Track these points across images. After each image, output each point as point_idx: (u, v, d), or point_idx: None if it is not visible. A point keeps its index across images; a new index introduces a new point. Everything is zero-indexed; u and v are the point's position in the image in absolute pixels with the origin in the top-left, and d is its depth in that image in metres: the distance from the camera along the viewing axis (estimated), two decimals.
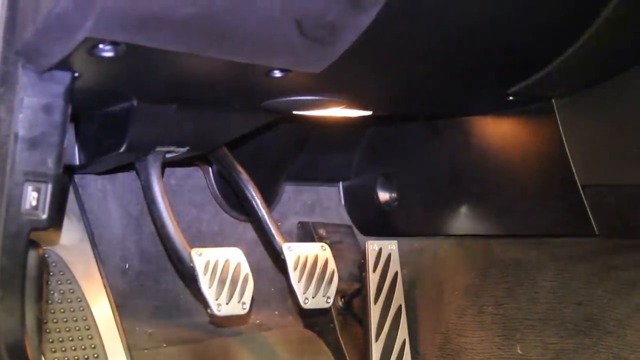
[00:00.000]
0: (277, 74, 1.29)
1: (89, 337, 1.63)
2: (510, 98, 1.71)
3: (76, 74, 1.17)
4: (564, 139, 1.72)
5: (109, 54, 1.09)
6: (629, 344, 1.58)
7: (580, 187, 1.71)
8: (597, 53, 1.55)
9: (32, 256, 1.27)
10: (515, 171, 1.85)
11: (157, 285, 1.93)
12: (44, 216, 1.20)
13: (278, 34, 1.16)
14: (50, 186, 1.19)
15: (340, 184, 2.29)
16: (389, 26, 1.23)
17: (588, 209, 1.71)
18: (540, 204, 1.82)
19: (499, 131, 1.90)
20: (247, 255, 1.66)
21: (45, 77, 1.14)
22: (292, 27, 1.14)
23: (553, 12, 1.39)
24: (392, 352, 1.87)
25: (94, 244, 1.76)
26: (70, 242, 1.73)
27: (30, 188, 1.17)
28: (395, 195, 2.17)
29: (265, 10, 1.10)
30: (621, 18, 1.44)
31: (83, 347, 1.62)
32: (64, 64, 1.12)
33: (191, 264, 1.58)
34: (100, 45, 1.07)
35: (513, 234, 1.91)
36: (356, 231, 2.26)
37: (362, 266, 1.92)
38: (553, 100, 1.74)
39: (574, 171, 1.71)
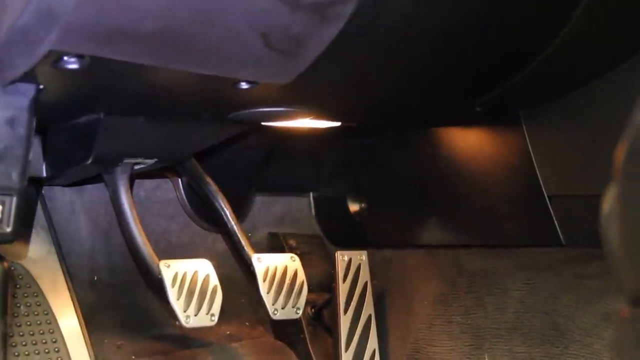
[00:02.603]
0: (244, 85, 1.30)
1: (56, 350, 1.62)
2: (478, 109, 1.72)
3: (41, 87, 1.16)
4: (530, 150, 1.73)
5: (74, 67, 1.08)
6: (595, 353, 1.59)
7: (547, 198, 1.73)
8: (562, 64, 1.56)
9: None
10: (483, 182, 1.86)
11: (126, 298, 1.92)
12: (9, 229, 1.19)
13: (244, 46, 1.16)
14: (15, 199, 1.18)
15: (311, 194, 2.29)
16: (355, 39, 1.24)
17: (555, 219, 1.72)
18: (507, 214, 1.84)
19: (467, 142, 1.91)
20: (217, 266, 1.66)
21: (9, 90, 1.14)
22: (258, 39, 1.15)
23: (517, 24, 1.41)
24: None
25: (61, 257, 1.75)
26: (38, 255, 1.72)
27: None
28: (365, 205, 2.17)
29: (231, 23, 1.10)
30: (585, 29, 1.46)
31: None
32: (28, 77, 1.11)
33: (159, 276, 1.58)
34: (65, 58, 1.07)
35: (481, 244, 1.92)
36: (327, 242, 2.26)
37: (332, 276, 1.92)
38: (520, 111, 1.75)
39: (541, 182, 1.72)
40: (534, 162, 1.73)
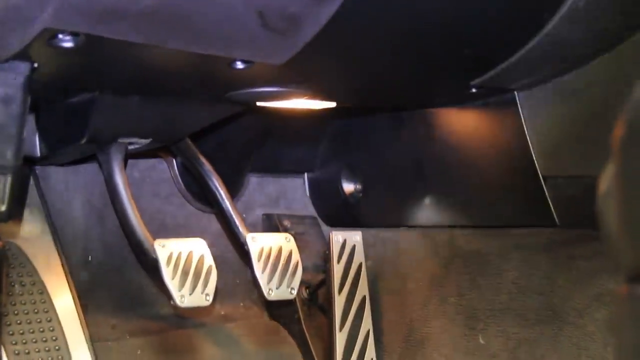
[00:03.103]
0: (240, 65, 1.29)
1: (51, 329, 1.62)
2: (473, 90, 1.72)
3: (35, 65, 1.16)
4: (526, 131, 1.73)
5: (69, 45, 1.08)
6: (588, 334, 1.60)
7: (541, 178, 1.73)
8: (559, 45, 1.56)
9: None
10: (478, 162, 1.86)
11: (120, 277, 1.92)
12: (3, 208, 1.19)
13: (240, 25, 1.16)
14: (9, 178, 1.18)
15: (305, 175, 2.29)
16: (351, 18, 1.23)
17: (549, 200, 1.73)
18: (502, 194, 1.84)
19: (462, 123, 1.91)
20: (212, 246, 1.65)
21: (3, 67, 1.13)
22: (254, 18, 1.14)
23: (514, 4, 1.40)
24: (356, 342, 1.88)
25: (56, 236, 1.75)
26: (32, 234, 1.71)
27: None
28: (360, 186, 2.17)
29: (227, 2, 1.09)
30: (582, 10, 1.46)
31: (44, 339, 1.61)
32: (22, 55, 1.11)
33: (154, 256, 1.57)
34: (60, 36, 1.06)
35: (476, 224, 1.93)
36: (321, 222, 2.26)
37: (326, 257, 1.92)
38: (516, 92, 1.75)
39: (536, 162, 1.72)
40: (529, 142, 1.73)
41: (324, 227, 2.25)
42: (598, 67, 1.62)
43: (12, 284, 1.63)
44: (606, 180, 0.65)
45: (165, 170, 2.02)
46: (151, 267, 1.59)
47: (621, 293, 0.62)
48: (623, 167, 0.62)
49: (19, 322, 1.60)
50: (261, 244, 1.75)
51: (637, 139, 0.60)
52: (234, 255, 2.03)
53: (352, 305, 1.90)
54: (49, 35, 1.05)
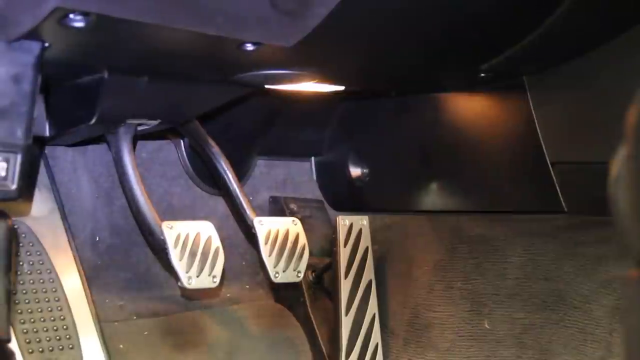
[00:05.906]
0: (249, 47, 1.29)
1: (59, 308, 1.63)
2: (482, 75, 1.71)
3: (46, 44, 1.16)
4: (534, 116, 1.73)
5: (80, 24, 1.08)
6: (594, 319, 1.61)
7: (549, 164, 1.73)
8: (568, 31, 1.56)
9: (1, 227, 1.27)
10: (485, 148, 1.86)
11: (127, 258, 1.92)
12: (13, 186, 1.19)
13: (250, 6, 1.15)
14: (19, 156, 1.18)
15: (312, 159, 2.29)
16: (361, 1, 1.23)
17: (557, 186, 1.73)
18: (509, 180, 1.84)
19: (470, 108, 1.90)
20: (219, 229, 1.66)
21: (14, 46, 1.13)
22: None
23: None
24: (361, 326, 1.89)
25: (64, 216, 1.75)
26: (40, 213, 1.72)
27: None
28: (367, 171, 2.17)
29: None
30: None
31: (52, 318, 1.61)
32: (33, 34, 1.11)
33: (162, 237, 1.58)
34: (71, 15, 1.06)
35: (482, 210, 1.93)
36: (327, 206, 2.26)
37: (333, 241, 1.93)
38: (524, 77, 1.75)
39: (544, 148, 1.72)
40: (538, 128, 1.72)
41: (331, 211, 2.25)
42: (607, 53, 1.62)
43: (21, 262, 1.63)
44: (618, 165, 0.65)
45: (173, 152, 2.02)
46: (159, 248, 1.60)
47: (631, 277, 0.62)
48: (635, 152, 0.62)
49: (27, 301, 1.61)
50: (268, 227, 1.75)
51: None
52: (241, 237, 2.03)
53: (358, 289, 1.90)
54: (60, 15, 1.05)
